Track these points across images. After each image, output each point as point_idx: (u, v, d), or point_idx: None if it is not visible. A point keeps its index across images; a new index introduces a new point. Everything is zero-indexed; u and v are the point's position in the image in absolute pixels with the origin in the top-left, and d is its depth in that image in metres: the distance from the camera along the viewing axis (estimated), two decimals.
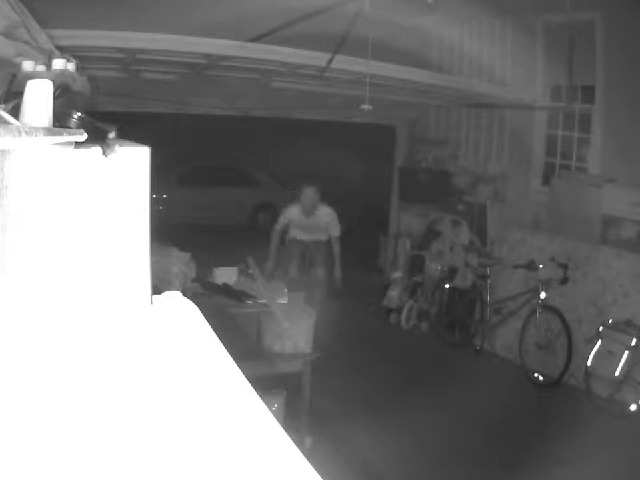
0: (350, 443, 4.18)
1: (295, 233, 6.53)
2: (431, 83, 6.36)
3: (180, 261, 4.41)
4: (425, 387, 5.17)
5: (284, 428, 0.63)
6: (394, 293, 7.40)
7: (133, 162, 0.91)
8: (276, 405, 3.87)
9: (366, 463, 4.09)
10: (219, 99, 7.09)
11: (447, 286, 6.90)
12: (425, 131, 8.54)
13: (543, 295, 5.67)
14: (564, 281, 5.57)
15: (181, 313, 1.00)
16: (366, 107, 5.53)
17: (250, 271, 4.70)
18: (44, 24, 1.37)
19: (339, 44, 5.38)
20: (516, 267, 6.03)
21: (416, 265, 7.51)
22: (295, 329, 4.08)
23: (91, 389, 0.71)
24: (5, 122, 0.63)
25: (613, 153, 6.08)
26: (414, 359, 6.26)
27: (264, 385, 2.87)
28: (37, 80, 0.76)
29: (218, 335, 0.92)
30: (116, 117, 1.45)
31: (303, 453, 0.60)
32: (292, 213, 6.48)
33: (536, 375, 5.68)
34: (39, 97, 0.74)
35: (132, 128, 1.57)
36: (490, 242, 7.21)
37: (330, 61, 5.45)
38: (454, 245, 7.12)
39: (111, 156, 0.89)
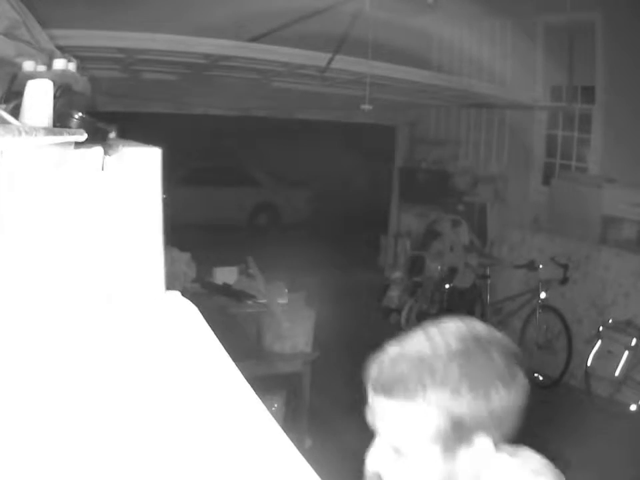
0: (350, 443, 4.18)
1: None
2: (431, 83, 6.36)
3: (180, 261, 4.42)
4: None
5: (284, 428, 0.63)
6: (394, 293, 7.40)
7: (144, 163, 0.92)
8: (276, 405, 3.87)
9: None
10: (219, 99, 7.09)
11: (447, 286, 6.90)
12: (425, 131, 8.53)
13: (543, 295, 5.67)
14: (564, 280, 5.57)
15: (181, 313, 1.00)
16: (366, 107, 5.53)
17: (250, 271, 4.70)
18: (45, 24, 1.36)
19: (339, 44, 5.38)
20: (516, 267, 6.03)
21: (416, 265, 7.50)
22: (295, 329, 4.08)
23: (90, 388, 0.71)
24: (5, 122, 0.63)
25: (613, 152, 6.08)
26: None
27: (264, 385, 2.87)
28: (37, 80, 0.76)
29: (218, 335, 0.92)
30: (116, 117, 1.45)
31: (302, 453, 0.60)
32: None
33: (536, 374, 5.68)
34: (39, 97, 0.74)
35: (132, 128, 1.57)
36: (490, 242, 7.21)
37: (330, 60, 5.45)
38: (454, 245, 7.12)
39: (119, 156, 0.89)
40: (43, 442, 0.60)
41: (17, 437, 0.60)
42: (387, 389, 1.03)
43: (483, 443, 1.04)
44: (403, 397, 1.01)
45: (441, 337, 1.03)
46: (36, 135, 0.55)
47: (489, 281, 6.42)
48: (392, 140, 8.95)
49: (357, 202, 12.66)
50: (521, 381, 1.05)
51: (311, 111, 7.97)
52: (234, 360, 0.82)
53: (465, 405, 1.00)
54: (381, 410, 1.05)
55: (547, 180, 6.83)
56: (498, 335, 1.07)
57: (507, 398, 1.03)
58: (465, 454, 1.05)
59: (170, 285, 1.08)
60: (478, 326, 1.08)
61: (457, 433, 1.02)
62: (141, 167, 0.91)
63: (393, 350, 1.06)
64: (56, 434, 0.61)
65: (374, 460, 1.09)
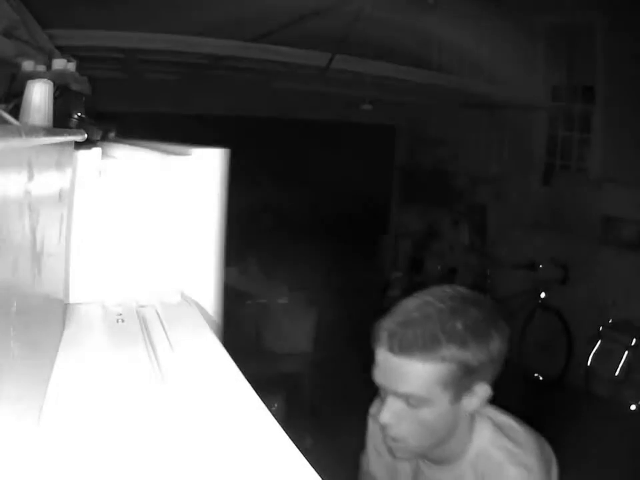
0: (350, 443, 4.18)
1: None
2: (431, 83, 6.36)
3: None
4: None
5: (284, 428, 0.63)
6: (394, 293, 7.40)
7: (207, 164, 0.96)
8: (276, 405, 3.87)
9: None
10: (219, 99, 7.10)
11: None
12: (425, 131, 8.54)
13: (542, 295, 5.67)
14: (564, 281, 5.57)
15: (181, 313, 1.00)
16: (366, 106, 5.54)
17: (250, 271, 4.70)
18: (45, 24, 1.37)
19: (339, 44, 5.38)
20: (516, 267, 6.03)
21: (416, 265, 7.51)
22: (295, 329, 4.09)
23: (93, 395, 0.71)
24: (5, 122, 0.63)
25: (613, 152, 6.08)
26: None
27: (264, 384, 2.87)
28: (37, 80, 0.76)
29: (218, 335, 0.92)
30: (116, 117, 1.45)
31: (302, 452, 0.60)
32: None
33: (536, 374, 5.68)
34: (38, 97, 0.74)
35: (132, 128, 1.57)
36: (490, 242, 7.21)
37: (330, 60, 5.45)
38: (454, 245, 7.12)
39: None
40: None
41: None
42: (406, 348, 1.11)
43: (483, 388, 1.20)
44: (421, 353, 1.11)
45: (435, 299, 1.16)
46: (36, 135, 0.55)
47: (488, 281, 6.42)
48: (392, 140, 8.95)
49: (356, 202, 12.66)
50: (505, 329, 1.23)
51: (310, 111, 7.98)
52: (234, 360, 0.82)
53: (471, 354, 1.13)
54: (397, 368, 1.13)
55: (547, 180, 6.83)
56: (475, 293, 1.24)
57: (500, 344, 1.21)
58: (467, 399, 1.18)
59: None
60: (460, 288, 1.23)
61: (465, 380, 1.15)
62: (203, 168, 0.96)
63: (398, 314, 1.16)
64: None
65: (385, 415, 1.17)
